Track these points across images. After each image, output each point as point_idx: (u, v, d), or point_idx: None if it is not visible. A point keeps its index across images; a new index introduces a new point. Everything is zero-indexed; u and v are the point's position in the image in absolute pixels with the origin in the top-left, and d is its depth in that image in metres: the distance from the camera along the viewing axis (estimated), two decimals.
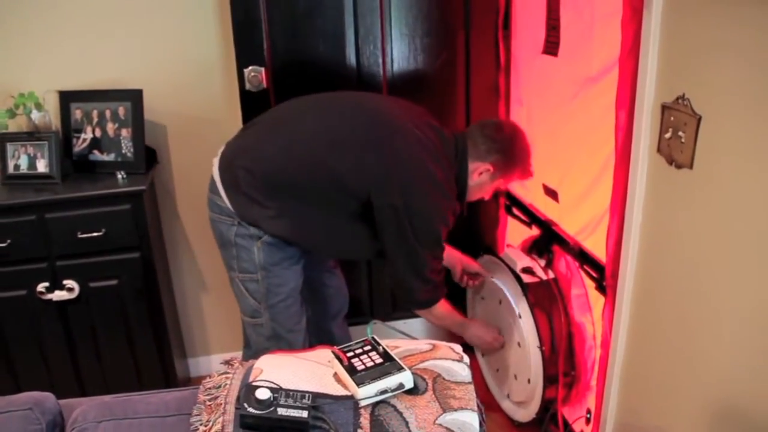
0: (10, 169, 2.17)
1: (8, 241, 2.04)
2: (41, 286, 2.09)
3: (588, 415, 1.98)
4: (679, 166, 1.42)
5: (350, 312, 2.31)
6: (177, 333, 2.54)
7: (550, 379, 1.98)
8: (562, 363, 2.00)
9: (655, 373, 1.64)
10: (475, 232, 2.64)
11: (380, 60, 2.32)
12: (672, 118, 1.42)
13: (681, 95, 1.39)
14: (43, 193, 2.08)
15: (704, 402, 1.45)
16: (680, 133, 1.40)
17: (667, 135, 1.44)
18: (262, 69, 2.18)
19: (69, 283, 2.10)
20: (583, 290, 1.97)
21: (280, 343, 1.88)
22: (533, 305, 1.98)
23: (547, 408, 2.05)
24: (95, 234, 2.06)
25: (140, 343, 2.25)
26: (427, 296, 1.90)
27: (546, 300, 2.02)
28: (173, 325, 2.46)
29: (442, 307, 1.96)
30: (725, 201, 1.31)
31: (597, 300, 1.88)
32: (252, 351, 1.93)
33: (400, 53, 2.34)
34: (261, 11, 2.15)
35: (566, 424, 2.07)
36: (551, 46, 1.98)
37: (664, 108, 1.45)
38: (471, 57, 2.38)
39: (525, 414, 2.15)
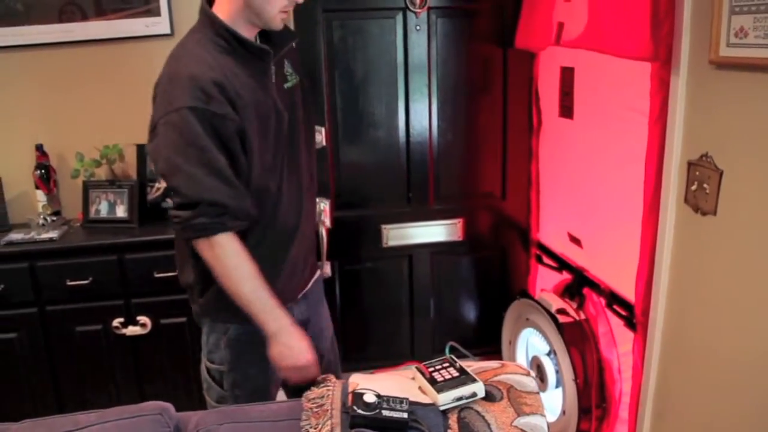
0: (91, 214, 2.39)
1: (90, 278, 2.24)
2: (116, 321, 2.28)
3: None
4: (704, 213, 1.66)
5: (392, 352, 2.46)
6: None
7: (583, 411, 2.17)
8: (595, 396, 2.19)
9: (685, 404, 1.82)
10: (507, 280, 2.87)
11: (427, 122, 2.60)
12: (697, 173, 1.68)
13: (705, 153, 1.64)
14: (121, 236, 2.29)
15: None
16: (705, 185, 1.65)
17: (693, 187, 1.69)
18: (323, 128, 2.44)
19: (142, 319, 2.30)
20: (608, 328, 2.19)
21: None
22: (568, 343, 2.19)
23: None
24: (170, 274, 2.26)
25: None
26: None
27: (579, 338, 2.22)
28: None
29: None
30: (747, 242, 1.54)
31: (623, 336, 2.09)
32: None
33: (443, 114, 2.63)
34: (322, 75, 2.44)
35: None
36: (565, 110, 2.30)
37: (690, 164, 1.70)
38: (508, 120, 2.67)
39: None
